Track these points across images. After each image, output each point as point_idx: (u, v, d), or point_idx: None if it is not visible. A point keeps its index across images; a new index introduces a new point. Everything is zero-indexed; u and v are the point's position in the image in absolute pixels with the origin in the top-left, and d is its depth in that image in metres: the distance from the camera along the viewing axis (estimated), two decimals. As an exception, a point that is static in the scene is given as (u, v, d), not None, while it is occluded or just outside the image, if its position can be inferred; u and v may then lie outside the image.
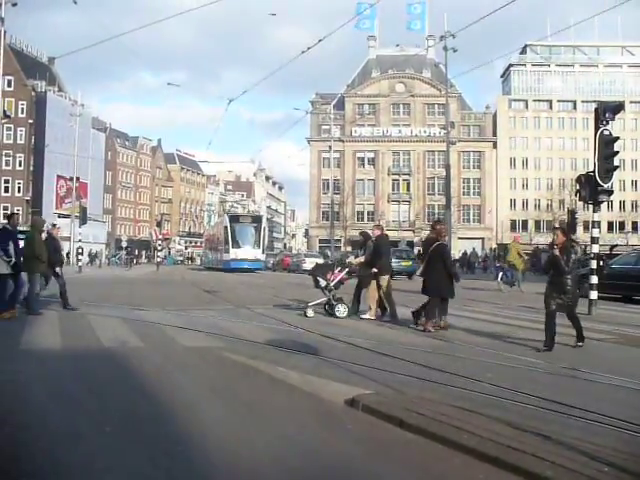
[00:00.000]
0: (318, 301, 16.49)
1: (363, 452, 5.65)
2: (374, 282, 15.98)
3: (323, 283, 16.26)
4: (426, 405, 6.75)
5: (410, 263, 43.28)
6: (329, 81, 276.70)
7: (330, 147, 79.87)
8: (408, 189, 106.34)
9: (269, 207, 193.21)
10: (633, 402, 7.50)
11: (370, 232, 17.61)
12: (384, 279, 16.00)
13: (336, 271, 16.35)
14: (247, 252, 52.37)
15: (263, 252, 56.37)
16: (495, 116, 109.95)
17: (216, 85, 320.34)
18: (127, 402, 7.12)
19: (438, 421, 6.12)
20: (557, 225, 18.98)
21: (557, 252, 11.48)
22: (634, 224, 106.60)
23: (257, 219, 58.59)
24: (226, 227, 55.22)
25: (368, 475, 5.16)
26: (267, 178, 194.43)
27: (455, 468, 5.20)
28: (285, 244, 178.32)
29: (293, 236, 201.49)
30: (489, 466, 5.13)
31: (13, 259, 14.66)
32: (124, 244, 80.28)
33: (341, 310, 16.02)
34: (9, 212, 21.98)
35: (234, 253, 52.50)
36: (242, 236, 53.64)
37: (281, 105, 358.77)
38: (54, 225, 19.03)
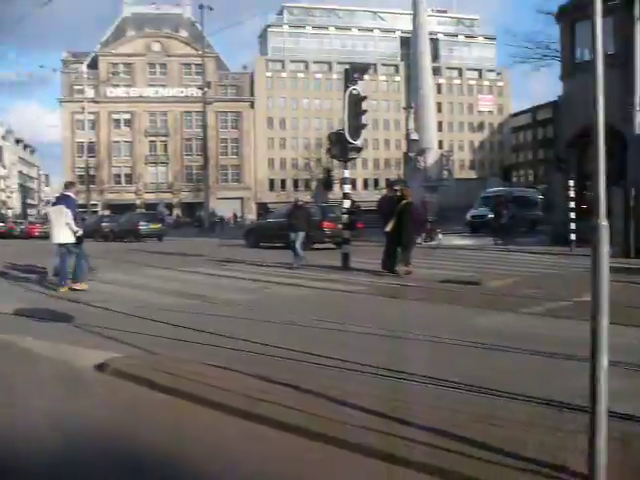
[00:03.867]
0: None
1: (113, 415, 5.60)
2: None
3: None
4: (177, 365, 6.79)
5: (159, 226, 44.77)
6: (79, 39, 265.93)
7: (83, 108, 77.33)
8: (166, 150, 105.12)
9: (20, 172, 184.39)
10: (380, 347, 7.87)
11: None
12: None
13: None
14: None
15: None
16: (253, 76, 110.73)
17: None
18: None
19: (189, 379, 6.16)
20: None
21: None
22: (387, 181, 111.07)
23: None
24: None
25: (120, 437, 5.08)
26: (17, 141, 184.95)
27: (205, 425, 5.25)
28: (39, 210, 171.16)
29: (48, 202, 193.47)
30: (240, 420, 5.22)
31: (81, 230, 14.62)
32: None
33: None
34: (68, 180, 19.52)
35: None
36: None
37: (25, 63, 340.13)
38: None
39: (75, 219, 14.55)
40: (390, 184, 18.62)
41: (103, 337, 8.61)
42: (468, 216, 43.92)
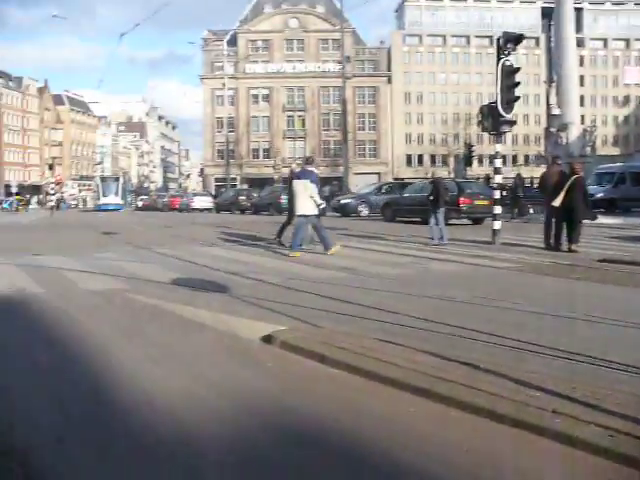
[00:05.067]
0: None
1: (283, 389, 5.46)
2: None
3: None
4: (345, 339, 6.59)
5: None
6: (217, 18, 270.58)
7: (224, 84, 78.72)
8: (303, 125, 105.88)
9: (163, 147, 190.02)
10: (554, 328, 7.51)
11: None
12: None
13: None
14: (111, 199, 75.85)
15: (122, 198, 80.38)
16: (389, 51, 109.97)
17: (91, 22, 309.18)
18: (31, 352, 6.71)
19: (360, 354, 5.96)
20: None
21: None
22: (526, 157, 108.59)
23: (116, 179, 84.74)
24: (97, 185, 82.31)
25: (290, 411, 4.94)
26: (160, 118, 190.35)
27: (383, 401, 5.05)
28: (180, 184, 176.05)
29: (188, 176, 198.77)
30: (419, 398, 4.99)
31: (324, 203, 15.98)
32: (14, 189, 77.88)
33: None
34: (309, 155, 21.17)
35: (103, 200, 76.09)
36: (107, 190, 77.86)
37: (163, 42, 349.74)
38: None
39: (318, 192, 15.66)
40: (553, 159, 18.37)
41: (262, 308, 8.53)
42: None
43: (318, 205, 15.56)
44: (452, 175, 67.90)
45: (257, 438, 4.43)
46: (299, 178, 15.92)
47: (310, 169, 16.08)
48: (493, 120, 17.85)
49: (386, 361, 5.69)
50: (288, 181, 18.82)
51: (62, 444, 4.33)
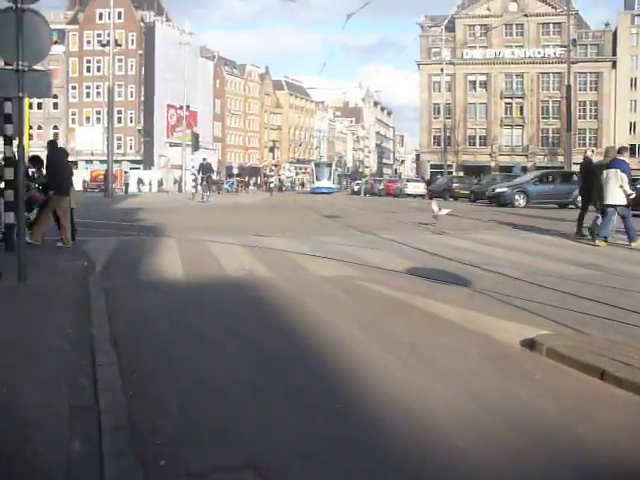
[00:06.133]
0: None
1: (562, 410, 4.59)
2: None
3: None
4: (624, 350, 5.61)
5: None
6: (427, 5, 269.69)
7: (442, 70, 77.84)
8: (521, 113, 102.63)
9: (378, 133, 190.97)
10: None
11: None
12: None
13: None
14: (324, 183, 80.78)
15: (333, 182, 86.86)
16: (615, 34, 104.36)
17: (305, 11, 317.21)
18: (268, 344, 6.22)
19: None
20: None
21: None
22: None
23: (329, 164, 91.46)
24: (312, 169, 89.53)
25: (575, 442, 4.07)
26: (375, 104, 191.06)
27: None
28: (396, 169, 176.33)
29: (402, 162, 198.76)
30: None
31: (634, 193, 15.43)
32: (235, 171, 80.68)
33: None
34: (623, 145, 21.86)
35: (317, 184, 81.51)
36: (320, 174, 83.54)
37: (377, 29, 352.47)
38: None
39: (628, 182, 15.30)
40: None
41: (509, 305, 7.73)
42: None
43: (628, 195, 15.14)
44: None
45: (554, 476, 3.62)
46: (609, 167, 15.52)
47: (622, 158, 15.68)
48: None
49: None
50: (581, 169, 18.79)
51: (309, 461, 3.73)
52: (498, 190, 36.92)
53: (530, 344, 5.92)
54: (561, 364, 5.45)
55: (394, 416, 4.40)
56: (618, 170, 15.19)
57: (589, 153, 19.46)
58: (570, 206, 32.24)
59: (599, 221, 15.50)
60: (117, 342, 5.94)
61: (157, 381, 5.08)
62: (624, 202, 15.20)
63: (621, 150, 16.21)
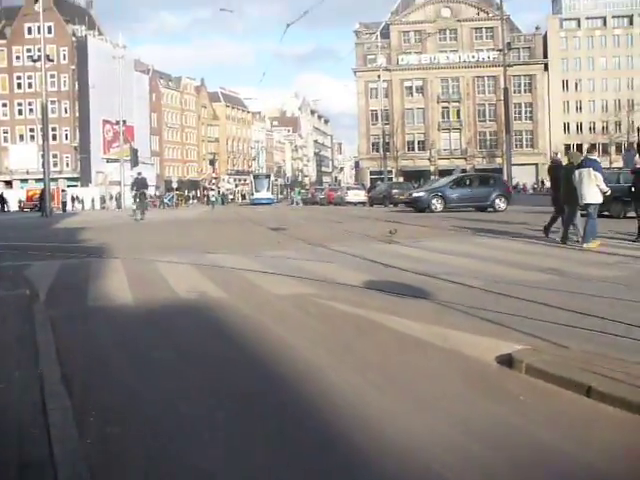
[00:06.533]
0: None
1: (556, 436, 4.27)
2: None
3: None
4: (609, 365, 5.36)
5: None
6: (362, 13, 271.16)
7: (379, 76, 78.16)
8: (458, 116, 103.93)
9: (316, 141, 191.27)
10: None
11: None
12: None
13: None
14: (263, 194, 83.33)
15: (272, 193, 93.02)
16: (545, 37, 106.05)
17: (240, 21, 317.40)
18: (230, 372, 5.87)
19: (636, 387, 4.77)
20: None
21: None
22: None
23: (267, 176, 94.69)
24: (251, 181, 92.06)
25: (580, 470, 3.80)
26: (312, 112, 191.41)
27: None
28: (335, 177, 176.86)
29: (341, 169, 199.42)
30: None
31: (609, 190, 15.69)
32: (174, 185, 79.96)
33: None
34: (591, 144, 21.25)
35: (256, 195, 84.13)
36: (259, 185, 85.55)
37: (312, 38, 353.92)
38: None
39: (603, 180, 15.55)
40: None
41: (475, 318, 7.47)
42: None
43: (604, 193, 15.40)
44: (621, 165, 64.45)
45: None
46: (580, 167, 15.65)
47: (593, 157, 15.91)
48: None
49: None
50: (550, 171, 18.84)
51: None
52: (415, 195, 37.01)
53: (508, 361, 5.65)
54: (543, 381, 5.19)
55: (376, 450, 4.07)
56: (591, 169, 15.33)
57: (559, 156, 19.57)
58: (489, 209, 32.52)
59: (579, 224, 15.80)
60: (69, 381, 5.49)
61: (118, 423, 4.66)
62: (601, 200, 15.48)
63: (591, 149, 16.49)
